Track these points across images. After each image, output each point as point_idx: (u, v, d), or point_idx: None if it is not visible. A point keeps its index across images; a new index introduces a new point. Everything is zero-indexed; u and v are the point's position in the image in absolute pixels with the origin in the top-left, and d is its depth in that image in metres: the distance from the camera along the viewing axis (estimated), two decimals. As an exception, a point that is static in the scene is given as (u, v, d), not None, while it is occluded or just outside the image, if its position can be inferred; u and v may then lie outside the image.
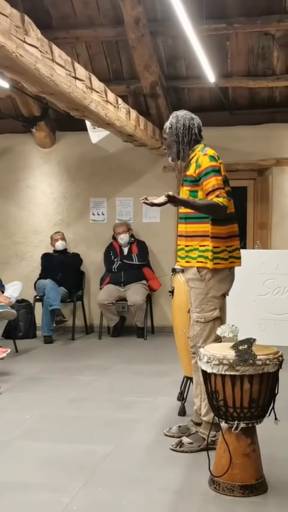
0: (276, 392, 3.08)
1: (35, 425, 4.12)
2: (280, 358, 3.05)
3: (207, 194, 3.49)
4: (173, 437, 3.77)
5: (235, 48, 6.97)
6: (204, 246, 3.54)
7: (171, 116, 3.77)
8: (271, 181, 7.74)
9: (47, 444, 3.75)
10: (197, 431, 3.64)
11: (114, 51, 7.19)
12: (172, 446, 3.60)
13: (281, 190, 7.77)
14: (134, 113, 6.26)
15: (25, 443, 3.77)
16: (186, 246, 3.62)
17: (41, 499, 2.97)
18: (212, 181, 3.48)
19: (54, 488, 3.09)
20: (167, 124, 3.75)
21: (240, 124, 7.72)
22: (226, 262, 3.56)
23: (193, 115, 3.76)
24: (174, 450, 3.57)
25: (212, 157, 3.56)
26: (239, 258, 3.65)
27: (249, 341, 2.96)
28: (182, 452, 3.55)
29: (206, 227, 3.53)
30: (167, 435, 3.83)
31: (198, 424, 3.69)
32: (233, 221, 3.63)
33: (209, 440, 3.32)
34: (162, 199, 3.41)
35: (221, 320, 3.56)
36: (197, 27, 5.22)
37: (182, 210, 3.65)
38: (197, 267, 3.55)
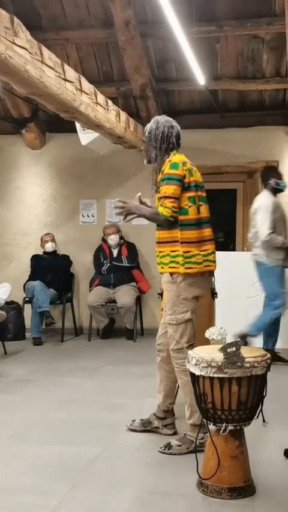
0: (264, 394, 3.09)
1: (23, 427, 4.10)
2: (268, 360, 3.05)
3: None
4: (135, 430, 3.89)
5: (225, 51, 6.99)
6: (175, 251, 3.60)
7: (152, 121, 3.80)
8: (260, 184, 7.74)
9: (36, 447, 3.74)
10: (185, 434, 3.64)
11: (104, 53, 7.19)
12: (161, 448, 3.59)
13: (270, 193, 7.77)
14: (123, 115, 6.27)
15: (13, 446, 3.76)
16: (160, 252, 3.69)
17: (28, 501, 2.96)
18: (162, 189, 3.57)
19: (42, 490, 3.08)
20: (147, 128, 3.79)
21: (229, 127, 7.72)
22: (200, 266, 3.60)
23: (173, 123, 3.76)
24: (163, 452, 3.57)
25: (174, 164, 3.58)
26: (215, 261, 3.68)
27: (238, 344, 2.97)
28: (171, 454, 3.55)
29: (175, 233, 3.60)
30: (130, 429, 3.93)
31: (160, 418, 3.84)
32: (204, 226, 3.65)
33: (197, 442, 3.33)
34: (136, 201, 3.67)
35: (192, 322, 3.61)
36: (187, 29, 5.23)
37: None
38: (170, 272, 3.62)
